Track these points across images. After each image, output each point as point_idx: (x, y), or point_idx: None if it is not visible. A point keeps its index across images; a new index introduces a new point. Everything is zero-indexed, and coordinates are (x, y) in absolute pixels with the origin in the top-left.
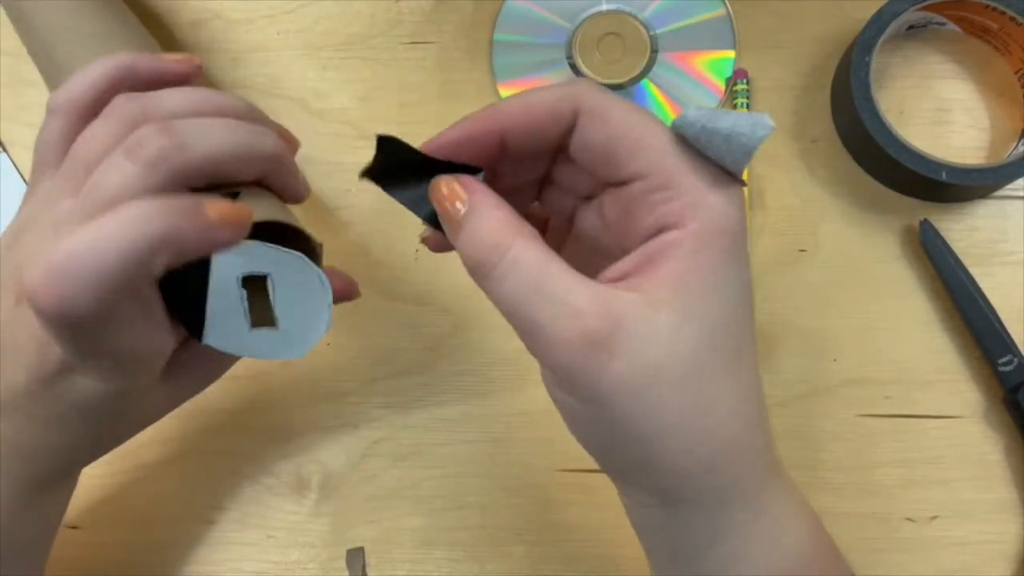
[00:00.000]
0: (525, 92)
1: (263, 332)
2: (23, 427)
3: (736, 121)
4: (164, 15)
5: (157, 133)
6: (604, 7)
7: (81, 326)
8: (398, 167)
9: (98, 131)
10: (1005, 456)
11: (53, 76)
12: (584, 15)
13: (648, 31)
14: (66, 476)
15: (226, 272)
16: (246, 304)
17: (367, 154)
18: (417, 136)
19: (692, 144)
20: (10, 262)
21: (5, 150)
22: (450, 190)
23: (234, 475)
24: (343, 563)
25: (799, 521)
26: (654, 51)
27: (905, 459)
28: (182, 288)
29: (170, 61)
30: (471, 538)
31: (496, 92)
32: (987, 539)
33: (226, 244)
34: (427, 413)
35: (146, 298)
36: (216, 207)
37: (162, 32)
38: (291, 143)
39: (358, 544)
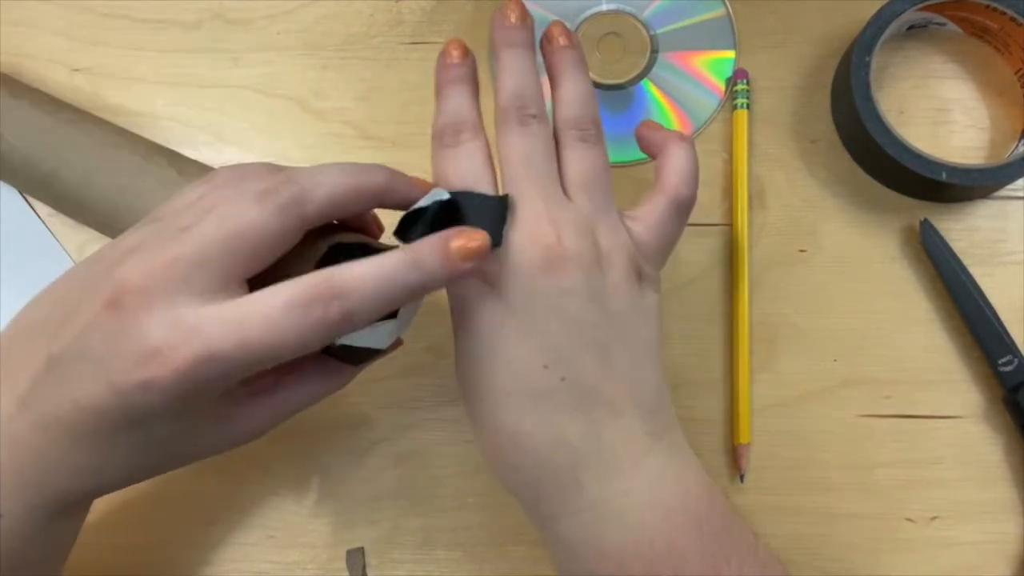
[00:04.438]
0: None
1: (383, 325)
2: (57, 442)
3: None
4: (164, 15)
5: (284, 182)
6: (604, 7)
7: (192, 400)
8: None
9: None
10: (1005, 456)
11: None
12: (584, 15)
13: (648, 31)
14: (84, 503)
15: None
16: None
17: (367, 154)
18: (417, 136)
19: None
20: (109, 262)
21: None
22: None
23: (234, 475)
24: (343, 563)
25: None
26: (654, 51)
27: (905, 459)
28: None
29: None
30: (471, 538)
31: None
32: (987, 539)
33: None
34: (427, 413)
35: None
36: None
37: (162, 32)
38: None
39: (358, 544)
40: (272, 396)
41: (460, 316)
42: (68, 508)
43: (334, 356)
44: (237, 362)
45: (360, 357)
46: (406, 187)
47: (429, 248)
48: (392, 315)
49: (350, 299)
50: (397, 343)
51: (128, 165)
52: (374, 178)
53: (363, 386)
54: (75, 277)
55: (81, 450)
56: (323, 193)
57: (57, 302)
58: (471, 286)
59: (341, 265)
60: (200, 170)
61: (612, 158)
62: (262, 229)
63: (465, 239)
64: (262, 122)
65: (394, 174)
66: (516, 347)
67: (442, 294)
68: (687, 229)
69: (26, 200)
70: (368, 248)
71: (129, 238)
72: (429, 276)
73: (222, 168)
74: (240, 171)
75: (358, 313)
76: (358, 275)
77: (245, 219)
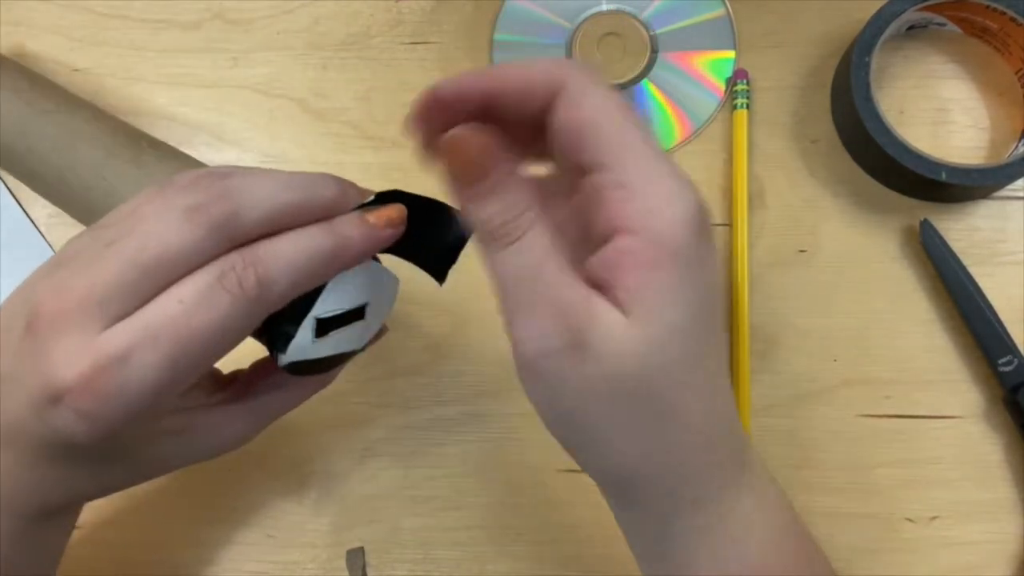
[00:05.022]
0: (522, 61)
1: (348, 329)
2: (23, 458)
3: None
4: (164, 15)
5: (217, 198)
6: (604, 7)
7: (112, 431)
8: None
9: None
10: (1005, 456)
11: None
12: (584, 15)
13: (648, 31)
14: (69, 508)
15: (326, 308)
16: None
17: (367, 154)
18: None
19: None
20: (42, 275)
21: None
22: (473, 153)
23: (234, 475)
24: (343, 563)
25: (764, 526)
26: (654, 51)
27: (905, 459)
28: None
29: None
30: (471, 538)
31: None
32: (987, 539)
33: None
34: (427, 413)
35: None
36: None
37: (162, 32)
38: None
39: (358, 544)
40: (246, 403)
41: None
42: (52, 515)
43: (302, 373)
44: (160, 382)
45: (333, 363)
46: (359, 201)
47: (345, 217)
48: (360, 315)
49: (265, 264)
50: (381, 332)
51: (92, 162)
52: (321, 193)
53: (362, 386)
54: (20, 289)
55: (42, 466)
56: (259, 213)
57: (6, 316)
58: None
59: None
60: (159, 159)
61: None
62: (187, 251)
63: (382, 211)
64: (262, 122)
65: (346, 188)
66: None
67: (442, 294)
68: None
69: (10, 191)
70: None
71: (67, 248)
72: (344, 239)
73: (170, 179)
74: (176, 181)
75: (276, 279)
76: (270, 242)
77: (168, 239)
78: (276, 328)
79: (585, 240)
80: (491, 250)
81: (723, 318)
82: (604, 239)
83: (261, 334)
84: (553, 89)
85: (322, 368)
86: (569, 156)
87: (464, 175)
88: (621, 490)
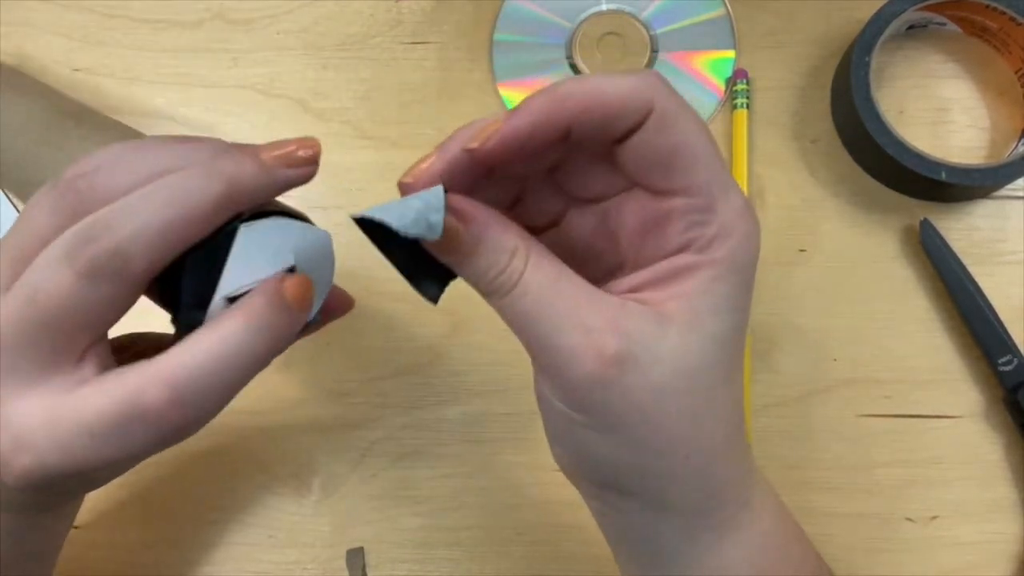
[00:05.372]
0: (591, 79)
1: None
2: None
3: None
4: (164, 15)
5: (94, 230)
6: (604, 7)
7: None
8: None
9: (37, 217)
10: (1005, 456)
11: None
12: (584, 15)
13: (648, 31)
14: (64, 502)
15: (237, 282)
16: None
17: (367, 154)
18: (417, 136)
19: None
20: None
21: None
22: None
23: (234, 475)
24: (343, 563)
25: (773, 514)
26: (654, 51)
27: (905, 459)
28: (170, 280)
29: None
30: (471, 538)
31: (496, 92)
32: (987, 539)
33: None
34: (427, 413)
35: None
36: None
37: (162, 32)
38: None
39: (358, 544)
40: None
41: None
42: (47, 509)
43: None
44: (75, 470)
45: None
46: (263, 178)
47: (264, 303)
48: None
49: (182, 386)
50: (347, 305)
51: (23, 151)
52: (208, 191)
53: (362, 385)
54: None
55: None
56: (143, 244)
57: None
58: None
59: (171, 352)
60: (83, 139)
61: None
62: (77, 300)
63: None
64: (262, 122)
65: (241, 167)
66: None
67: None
68: None
69: (4, 192)
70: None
71: None
72: (275, 340)
73: (41, 193)
74: (46, 210)
75: (198, 393)
76: (190, 359)
77: (57, 292)
78: (183, 320)
79: (594, 261)
80: (493, 301)
81: None
82: (662, 255)
83: (177, 331)
84: (644, 111)
85: None
86: (645, 177)
87: (441, 244)
88: (653, 495)
